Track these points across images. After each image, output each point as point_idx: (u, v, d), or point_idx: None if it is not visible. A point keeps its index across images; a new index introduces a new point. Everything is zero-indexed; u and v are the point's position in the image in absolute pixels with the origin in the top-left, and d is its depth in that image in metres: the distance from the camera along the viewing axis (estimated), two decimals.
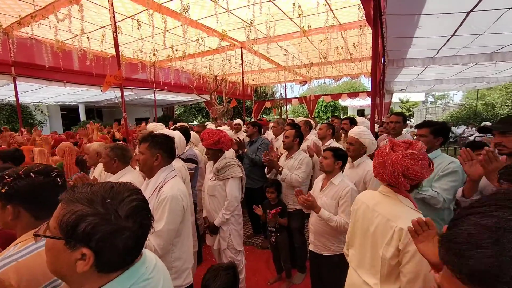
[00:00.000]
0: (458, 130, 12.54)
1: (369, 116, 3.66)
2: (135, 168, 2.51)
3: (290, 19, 5.88)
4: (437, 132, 2.02)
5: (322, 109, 25.46)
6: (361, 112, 26.69)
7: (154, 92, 11.24)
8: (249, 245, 3.92)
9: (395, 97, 23.33)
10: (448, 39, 4.67)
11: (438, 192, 1.85)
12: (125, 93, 10.90)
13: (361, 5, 4.77)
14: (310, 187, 2.99)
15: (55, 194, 0.96)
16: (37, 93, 10.30)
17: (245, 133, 4.25)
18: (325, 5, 5.04)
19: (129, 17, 5.71)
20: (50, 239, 0.64)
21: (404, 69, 7.10)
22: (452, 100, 29.46)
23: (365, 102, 18.42)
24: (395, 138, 2.93)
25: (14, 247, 0.92)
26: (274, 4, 5.15)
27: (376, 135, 3.76)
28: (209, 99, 9.74)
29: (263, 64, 9.50)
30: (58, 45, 6.37)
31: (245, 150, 3.46)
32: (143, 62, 9.32)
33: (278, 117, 12.17)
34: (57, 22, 4.72)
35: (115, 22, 4.35)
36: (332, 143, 3.42)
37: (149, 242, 1.54)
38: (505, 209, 0.43)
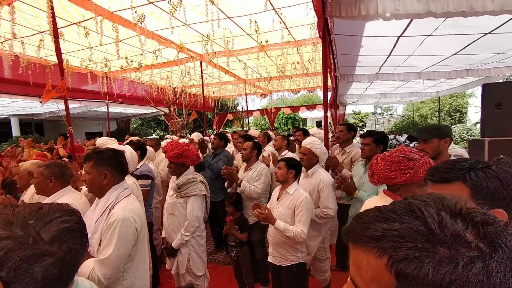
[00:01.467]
0: (402, 138, 14.12)
1: None
2: (80, 190, 2.24)
3: (248, 34, 6.06)
4: (378, 141, 2.25)
5: (283, 120, 26.45)
6: (319, 123, 28.35)
7: (107, 104, 10.45)
8: (210, 262, 3.74)
9: (349, 109, 25.39)
10: (386, 58, 5.29)
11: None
12: (72, 105, 9.96)
13: (314, 23, 5.15)
14: (269, 198, 3.01)
15: None
16: None
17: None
18: (280, 23, 5.33)
19: (75, 23, 5.29)
20: None
21: (354, 83, 7.78)
22: (396, 112, 33.07)
23: (322, 113, 19.64)
24: (344, 147, 3.14)
25: None
26: (231, 20, 5.27)
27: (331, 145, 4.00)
28: (167, 111, 9.38)
29: (223, 77, 9.55)
30: None
31: (205, 154, 3.39)
32: (94, 72, 8.65)
33: (240, 129, 12.25)
34: None
35: (55, 28, 3.97)
36: (287, 153, 3.52)
37: (93, 272, 1.36)
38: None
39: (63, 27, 5.23)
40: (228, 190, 3.15)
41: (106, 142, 3.05)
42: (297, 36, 6.33)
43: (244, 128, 13.21)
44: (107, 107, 10.70)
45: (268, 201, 2.99)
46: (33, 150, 4.59)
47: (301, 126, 22.02)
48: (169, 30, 5.65)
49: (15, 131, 12.75)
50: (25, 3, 4.33)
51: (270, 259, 2.28)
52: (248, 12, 4.94)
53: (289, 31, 5.90)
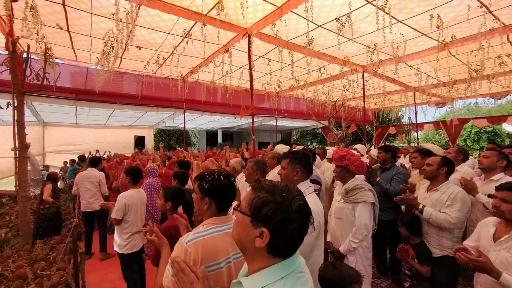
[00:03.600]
0: None
1: None
2: None
3: (425, 34, 5.21)
4: None
5: (472, 136, 19.72)
6: None
7: (276, 119, 12.48)
8: (372, 285, 3.38)
9: None
10: None
11: None
12: (250, 119, 12.57)
13: None
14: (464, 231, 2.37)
15: (233, 194, 1.29)
16: (194, 121, 13.73)
17: (368, 159, 3.91)
18: (481, 7, 4.16)
19: (261, 56, 6.82)
20: (240, 214, 0.81)
21: None
22: None
23: None
24: None
25: (202, 227, 1.21)
26: (403, 23, 4.77)
27: None
28: (326, 124, 9.77)
29: (388, 87, 8.68)
30: (211, 85, 8.42)
31: (377, 178, 2.94)
32: (268, 93, 10.68)
33: (406, 144, 10.48)
34: (215, 67, 6.25)
35: (250, 61, 5.32)
36: (504, 178, 2.43)
37: None
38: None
39: (254, 60, 6.86)
40: (403, 210, 2.74)
41: (283, 149, 3.66)
42: (507, 19, 4.66)
43: (411, 144, 11.20)
44: (276, 121, 12.78)
45: (465, 234, 2.37)
46: (232, 152, 6.27)
47: (507, 143, 15.54)
48: (333, 48, 6.00)
49: (219, 139, 18.06)
50: (235, 49, 6.11)
51: None
52: (429, 7, 4.27)
53: (493, 15, 4.48)
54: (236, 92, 9.54)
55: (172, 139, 16.99)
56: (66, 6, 3.95)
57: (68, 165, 9.52)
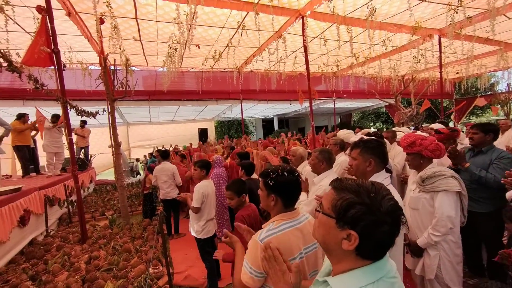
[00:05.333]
0: None
1: None
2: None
3: None
4: None
5: None
6: None
7: (334, 101, 11.81)
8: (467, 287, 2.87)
9: None
10: None
11: None
12: (307, 104, 12.17)
13: None
14: None
15: (298, 189, 1.30)
16: (250, 110, 14.09)
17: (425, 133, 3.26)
18: None
19: (316, 37, 6.44)
20: (323, 215, 0.78)
21: None
22: None
23: None
24: None
25: (272, 224, 1.22)
26: None
27: None
28: (392, 102, 8.77)
29: (477, 49, 7.16)
30: (265, 73, 8.42)
31: (466, 164, 2.41)
32: (325, 74, 10.09)
33: (504, 118, 8.63)
34: (269, 55, 6.21)
35: (305, 44, 5.09)
36: None
37: None
38: None
39: (309, 42, 6.54)
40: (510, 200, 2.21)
41: (347, 134, 3.44)
42: None
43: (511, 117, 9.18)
44: (334, 103, 12.08)
45: None
46: (291, 140, 6.25)
47: None
48: (399, 15, 5.22)
49: (276, 126, 18.15)
50: (288, 33, 5.92)
51: None
52: None
53: None
54: (291, 77, 9.33)
55: (232, 129, 17.86)
56: (138, 19, 4.46)
57: (147, 158, 11.04)
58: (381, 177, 1.60)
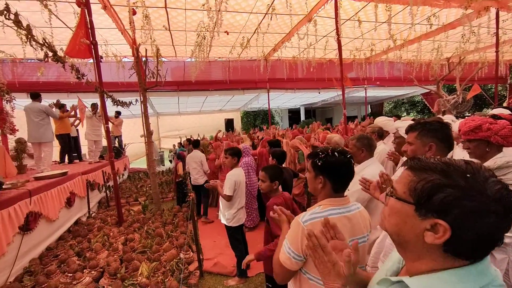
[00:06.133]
0: None
1: None
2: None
3: None
4: None
5: None
6: None
7: (365, 89, 11.14)
8: None
9: None
10: None
11: None
12: (336, 93, 11.63)
13: None
14: None
15: (350, 172, 1.17)
16: (277, 100, 13.85)
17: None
18: None
19: (349, 19, 6.01)
20: (397, 201, 0.63)
21: None
22: None
23: None
24: None
25: (318, 207, 1.13)
26: None
27: None
28: (433, 89, 8.02)
29: None
30: (293, 60, 8.13)
31: None
32: (356, 61, 9.50)
33: None
34: (299, 40, 5.95)
35: (337, 27, 4.75)
36: None
37: None
38: None
39: (342, 24, 6.13)
40: None
41: (386, 123, 3.15)
42: None
43: None
44: (365, 92, 11.40)
45: None
46: (320, 130, 6.01)
47: None
48: None
49: (302, 116, 17.74)
50: (319, 16, 5.59)
51: None
52: None
53: None
54: (320, 65, 8.93)
55: (257, 119, 17.80)
56: (167, 8, 4.47)
57: (176, 147, 11.42)
58: None
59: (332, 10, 4.83)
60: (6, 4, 2.32)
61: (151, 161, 4.95)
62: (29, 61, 6.95)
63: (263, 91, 9.22)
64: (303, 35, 5.89)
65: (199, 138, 8.48)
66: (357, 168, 2.10)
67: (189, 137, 8.34)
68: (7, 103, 4.25)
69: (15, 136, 4.72)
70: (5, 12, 2.26)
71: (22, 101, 5.75)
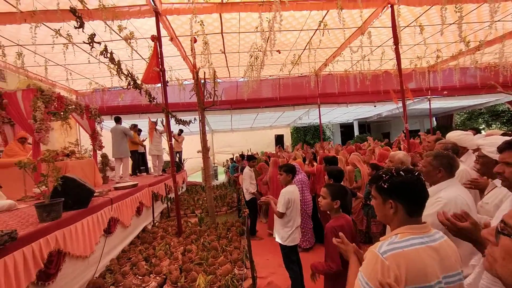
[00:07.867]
0: None
1: None
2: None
3: None
4: None
5: None
6: None
7: (429, 100, 10.01)
8: None
9: None
10: None
11: None
12: (395, 106, 10.74)
13: None
14: None
15: (423, 191, 1.03)
16: (328, 115, 13.46)
17: None
18: None
19: (408, 25, 5.59)
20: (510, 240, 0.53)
21: None
22: None
23: None
24: None
25: (395, 236, 0.99)
26: None
27: None
28: None
29: None
30: (345, 74, 7.86)
31: None
32: (416, 70, 8.67)
33: None
34: (352, 54, 5.76)
35: (395, 34, 4.44)
36: None
37: None
38: None
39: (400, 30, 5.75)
40: None
41: (461, 136, 2.73)
42: None
43: None
44: (429, 103, 10.22)
45: None
46: (378, 147, 5.55)
47: None
48: None
49: (356, 131, 16.78)
50: (372, 27, 5.35)
51: None
52: None
53: None
54: (375, 77, 8.42)
55: (308, 135, 17.49)
56: (223, 33, 4.89)
57: (229, 162, 11.90)
58: None
59: (387, 19, 4.58)
60: (105, 45, 2.87)
61: (208, 175, 5.24)
62: (113, 89, 8.35)
63: (314, 107, 9.07)
64: (356, 47, 5.69)
65: (250, 153, 8.73)
66: (430, 189, 1.82)
67: (241, 153, 8.63)
68: (97, 124, 5.22)
69: (100, 152, 5.70)
70: (104, 52, 2.79)
71: (108, 122, 6.87)
